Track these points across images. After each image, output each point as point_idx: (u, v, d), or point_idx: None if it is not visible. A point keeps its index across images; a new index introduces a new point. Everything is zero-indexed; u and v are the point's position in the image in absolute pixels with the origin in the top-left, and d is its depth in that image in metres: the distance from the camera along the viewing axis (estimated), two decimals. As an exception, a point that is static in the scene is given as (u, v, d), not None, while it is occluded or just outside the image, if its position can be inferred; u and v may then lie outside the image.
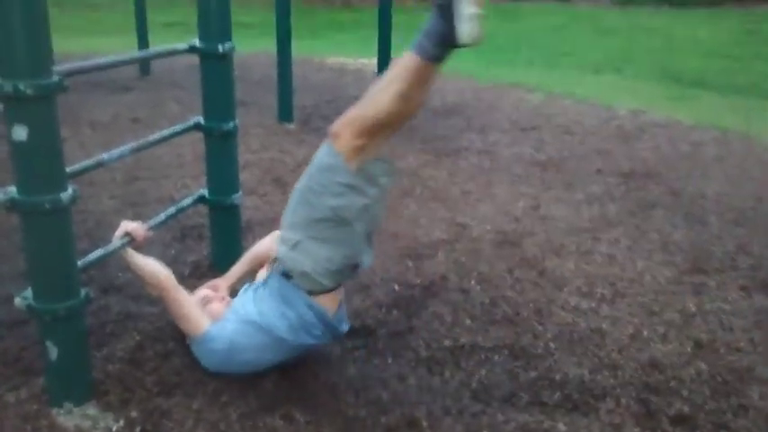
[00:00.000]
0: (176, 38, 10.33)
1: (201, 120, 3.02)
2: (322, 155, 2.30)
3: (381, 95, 2.18)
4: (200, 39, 2.88)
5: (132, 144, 2.67)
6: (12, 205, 2.01)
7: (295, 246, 2.34)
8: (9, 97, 1.90)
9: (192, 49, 2.89)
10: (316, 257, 2.32)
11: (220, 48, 2.86)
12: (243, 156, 4.22)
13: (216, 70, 2.94)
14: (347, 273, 2.43)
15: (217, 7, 2.85)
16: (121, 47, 8.83)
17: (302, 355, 2.59)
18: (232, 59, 2.96)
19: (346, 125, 2.22)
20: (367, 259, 2.48)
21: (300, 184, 2.36)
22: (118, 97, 6.99)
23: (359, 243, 2.37)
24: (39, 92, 1.91)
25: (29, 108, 1.93)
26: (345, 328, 2.60)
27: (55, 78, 1.95)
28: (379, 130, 2.21)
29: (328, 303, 2.46)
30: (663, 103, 7.84)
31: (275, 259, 2.48)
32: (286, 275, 2.40)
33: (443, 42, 2.09)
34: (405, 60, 2.16)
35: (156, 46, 8.44)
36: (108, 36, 9.24)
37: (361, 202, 2.27)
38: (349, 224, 2.29)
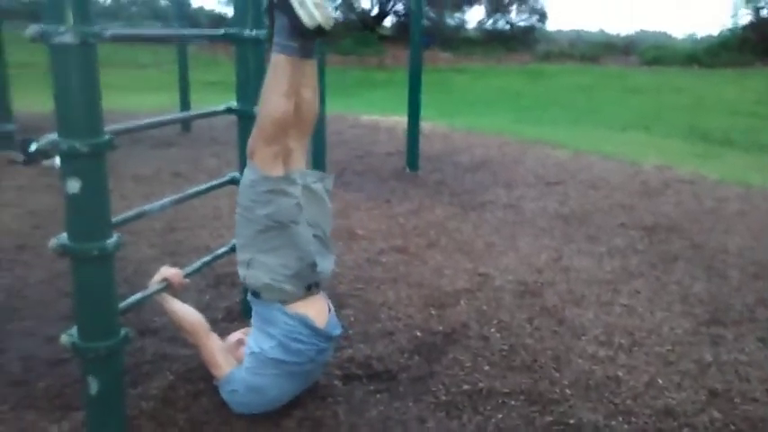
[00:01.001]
0: (217, 95, 10.77)
1: (237, 174, 3.21)
2: (245, 176, 2.52)
3: (269, 101, 2.39)
4: (238, 100, 3.09)
5: (172, 197, 2.86)
6: (63, 251, 2.19)
7: (249, 263, 2.52)
8: (66, 154, 2.10)
9: (229, 111, 3.10)
10: (271, 267, 2.48)
11: (255, 109, 3.06)
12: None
13: (250, 130, 3.13)
14: (307, 274, 2.54)
15: (253, 72, 3.07)
16: (165, 103, 9.22)
17: (323, 393, 2.71)
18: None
19: (255, 140, 2.44)
20: (326, 263, 2.63)
21: (237, 209, 2.55)
22: (160, 152, 7.29)
23: (306, 243, 2.51)
24: (92, 149, 2.10)
25: (82, 164, 2.12)
26: (337, 331, 2.72)
27: (106, 137, 2.15)
28: (281, 133, 2.42)
29: (311, 311, 2.57)
30: (688, 159, 7.95)
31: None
32: (255, 295, 2.57)
33: (295, 33, 2.30)
34: (274, 64, 2.37)
35: (197, 102, 8.84)
36: (153, 93, 9.65)
37: (289, 203, 2.45)
38: (288, 227, 2.46)
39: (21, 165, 6.61)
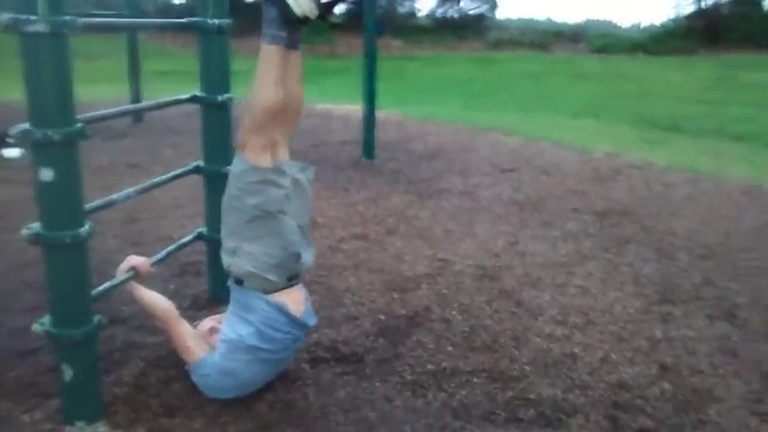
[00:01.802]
0: (170, 86, 10.67)
1: (201, 163, 3.25)
2: (234, 165, 2.57)
3: (260, 91, 2.46)
4: (202, 89, 3.13)
5: (139, 185, 2.90)
6: (36, 239, 2.23)
7: (234, 251, 2.58)
8: (39, 143, 2.13)
9: (193, 99, 3.14)
10: (255, 256, 2.54)
11: (219, 98, 3.12)
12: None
13: (215, 118, 3.18)
14: (290, 264, 2.62)
15: (217, 61, 3.11)
16: (119, 93, 9.11)
17: (293, 377, 2.79)
18: (230, 108, 3.20)
19: (245, 131, 2.51)
20: (307, 254, 2.71)
21: (225, 198, 2.61)
22: (114, 144, 7.24)
23: (291, 234, 2.59)
24: (65, 138, 2.14)
25: (55, 153, 2.16)
26: (312, 321, 2.79)
27: (78, 126, 2.18)
28: (271, 122, 2.49)
29: (289, 301, 2.64)
30: (637, 146, 8.18)
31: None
32: (238, 282, 2.63)
33: (284, 23, 2.40)
34: (264, 54, 2.45)
35: (149, 93, 8.77)
36: (106, 84, 9.52)
37: (279, 193, 2.52)
38: (275, 217, 2.53)
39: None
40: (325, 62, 17.68)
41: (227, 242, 2.61)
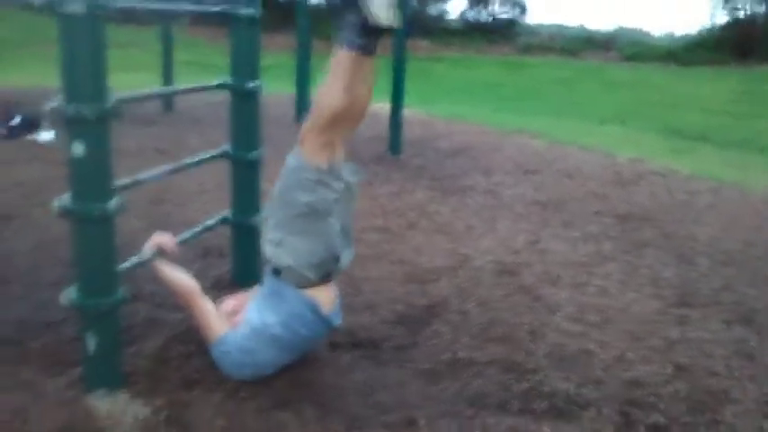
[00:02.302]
0: (194, 75, 10.77)
1: (229, 149, 3.31)
2: (291, 159, 2.61)
3: (329, 93, 2.47)
4: (232, 76, 3.19)
5: (168, 166, 2.96)
6: (66, 212, 2.29)
7: (279, 243, 2.62)
8: (72, 119, 2.19)
9: (223, 86, 3.20)
10: (298, 251, 2.59)
11: (248, 85, 3.17)
12: (263, 185, 4.52)
13: (243, 105, 3.24)
14: (329, 265, 2.66)
15: (247, 48, 3.17)
16: (147, 82, 9.23)
17: (311, 360, 2.83)
18: (258, 96, 3.26)
19: (307, 129, 2.54)
20: (346, 255, 2.74)
21: (276, 189, 2.65)
22: (142, 130, 7.34)
23: (335, 236, 2.63)
24: (97, 114, 2.21)
25: (88, 128, 2.22)
26: (338, 321, 2.83)
27: (111, 104, 2.25)
28: (335, 125, 2.50)
29: (322, 298, 2.69)
30: (662, 154, 8.15)
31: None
32: (275, 272, 2.67)
33: (364, 29, 2.37)
34: (339, 58, 2.45)
35: (178, 82, 8.87)
36: (134, 72, 9.64)
37: (331, 196, 2.56)
38: (324, 217, 2.57)
39: (2, 139, 6.60)
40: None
41: (273, 233, 2.65)
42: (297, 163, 2.57)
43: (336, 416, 2.54)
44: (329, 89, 2.47)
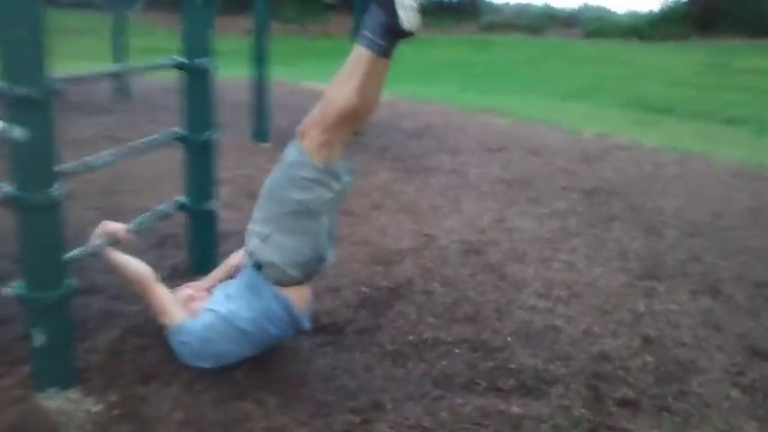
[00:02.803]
0: (151, 61, 10.49)
1: (180, 130, 3.19)
2: (290, 153, 2.49)
3: (340, 91, 2.37)
4: (184, 55, 3.06)
5: (118, 149, 2.84)
6: (7, 200, 2.17)
7: (266, 238, 2.51)
8: (12, 101, 2.07)
9: (176, 65, 3.07)
10: (285, 249, 2.49)
11: (203, 63, 3.06)
12: (218, 173, 4.41)
13: (197, 85, 3.12)
14: (314, 265, 2.58)
15: (199, 26, 3.05)
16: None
17: (271, 348, 2.75)
18: (211, 75, 3.14)
19: (311, 124, 2.43)
20: (330, 255, 2.65)
21: (269, 182, 2.54)
22: (96, 119, 7.16)
23: (323, 236, 2.55)
24: (38, 95, 2.09)
25: (28, 111, 2.10)
26: (307, 324, 2.74)
27: (53, 84, 2.13)
28: (341, 125, 2.41)
29: (296, 298, 2.61)
30: (628, 127, 8.16)
31: (248, 253, 2.65)
32: (257, 267, 2.57)
33: (387, 32, 2.29)
34: (357, 56, 2.35)
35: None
36: (89, 60, 9.39)
37: (327, 196, 2.46)
38: (315, 217, 2.48)
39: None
40: (318, 42, 17.59)
41: (260, 227, 2.55)
42: (296, 158, 2.45)
43: (300, 403, 2.47)
44: (342, 88, 2.36)
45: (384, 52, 2.33)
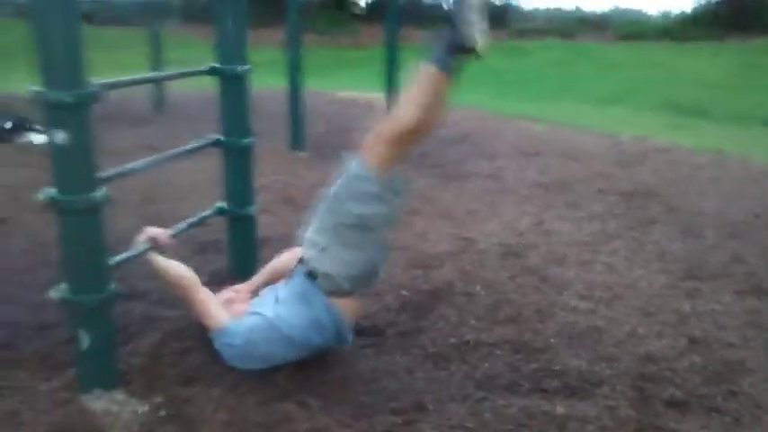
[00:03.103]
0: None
1: (221, 137, 3.21)
2: (352, 166, 2.47)
3: (410, 109, 2.37)
4: (219, 61, 3.09)
5: (158, 155, 2.87)
6: (51, 203, 2.21)
7: (323, 249, 2.51)
8: (51, 105, 2.11)
9: (211, 71, 3.10)
10: (341, 261, 2.50)
11: (238, 69, 3.08)
12: (256, 180, 4.44)
13: (233, 90, 3.14)
14: (367, 278, 2.61)
15: (234, 32, 3.07)
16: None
17: (314, 352, 2.75)
18: (248, 80, 3.16)
19: (376, 139, 2.42)
20: (382, 270, 2.67)
21: (330, 193, 2.53)
22: (135, 130, 7.26)
23: (378, 250, 2.58)
24: (77, 100, 2.12)
25: (68, 115, 2.14)
26: (350, 340, 2.74)
27: (91, 88, 2.16)
28: (405, 141, 2.42)
29: (347, 310, 2.63)
30: (664, 131, 8.06)
31: (300, 260, 2.66)
32: (310, 276, 2.57)
33: (456, 51, 2.30)
34: (427, 76, 2.36)
35: (171, 82, 8.80)
36: (124, 73, 9.54)
37: (384, 211, 2.48)
38: (372, 231, 2.50)
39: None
40: (349, 53, 17.68)
41: (317, 236, 2.55)
42: (358, 172, 2.45)
43: (342, 405, 2.46)
44: (411, 105, 2.37)
45: (450, 70, 2.34)
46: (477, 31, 2.25)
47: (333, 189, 2.53)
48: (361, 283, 2.61)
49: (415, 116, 2.36)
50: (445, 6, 2.29)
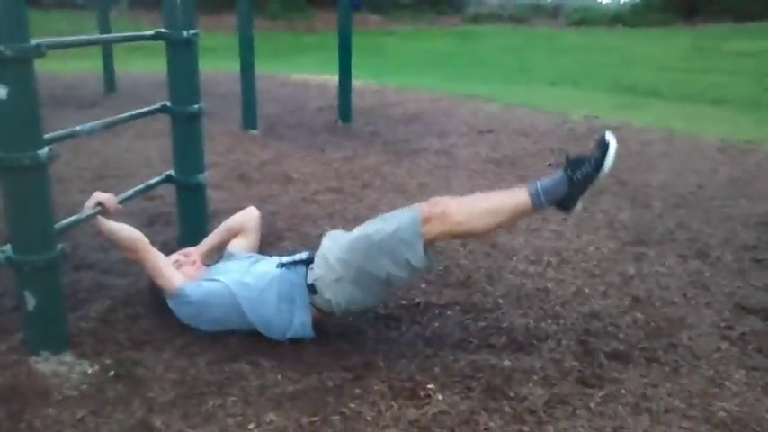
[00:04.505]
0: (139, 59, 10.49)
1: (168, 103, 3.19)
2: (406, 226, 2.43)
3: (486, 219, 2.45)
4: (167, 26, 3.07)
5: (105, 120, 2.84)
6: (-7, 163, 2.18)
7: (337, 280, 2.50)
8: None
9: (158, 36, 3.08)
10: (348, 296, 2.52)
11: (185, 33, 3.06)
12: (209, 157, 4.39)
13: (181, 55, 3.12)
14: (356, 313, 2.71)
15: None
16: (88, 68, 9.04)
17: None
18: (196, 45, 3.14)
19: (443, 220, 2.40)
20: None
21: (371, 234, 2.48)
22: (84, 112, 7.14)
23: (384, 299, 2.68)
24: (18, 55, 2.09)
25: (8, 70, 2.11)
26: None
27: (32, 44, 2.13)
28: (460, 237, 2.59)
29: (316, 318, 2.63)
30: (615, 110, 8.18)
31: (309, 260, 2.64)
32: (311, 289, 2.56)
33: (557, 204, 2.43)
34: (518, 201, 2.44)
35: (121, 67, 8.69)
36: (73, 59, 9.37)
37: (410, 281, 2.63)
38: (389, 286, 2.57)
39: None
40: (303, 38, 17.57)
41: (339, 265, 2.50)
42: (411, 239, 2.40)
43: (293, 364, 2.48)
44: (491, 219, 2.45)
45: (539, 210, 2.46)
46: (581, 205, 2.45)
47: (377, 234, 2.46)
48: (349, 314, 2.70)
49: (488, 230, 2.56)
50: (573, 177, 2.41)
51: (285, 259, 2.75)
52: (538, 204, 2.42)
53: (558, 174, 2.43)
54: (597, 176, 2.39)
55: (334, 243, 2.58)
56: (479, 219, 2.44)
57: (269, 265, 2.73)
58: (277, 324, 2.60)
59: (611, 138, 2.43)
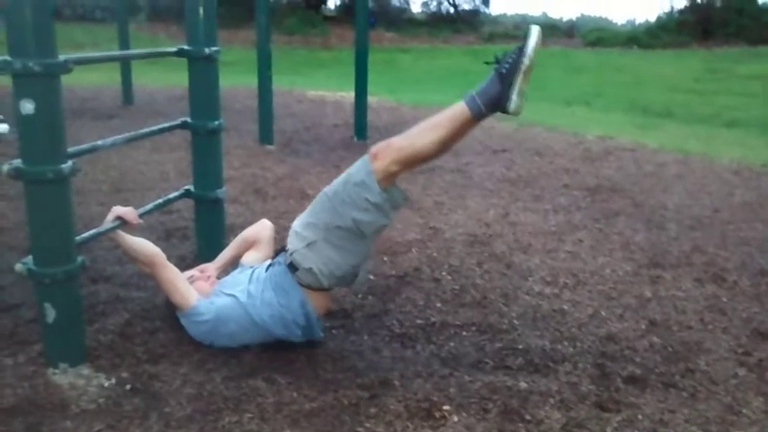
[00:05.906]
0: (159, 74, 10.57)
1: (189, 120, 3.22)
2: (357, 170, 2.47)
3: (427, 135, 2.43)
4: (188, 42, 3.10)
5: (126, 135, 2.87)
6: (17, 174, 2.20)
7: (310, 245, 2.52)
8: (19, 74, 2.10)
9: (180, 52, 3.11)
10: (326, 260, 2.51)
11: (207, 50, 3.09)
12: (226, 172, 4.42)
13: (202, 72, 3.15)
14: (347, 280, 2.63)
15: (203, 14, 3.08)
16: (105, 80, 9.11)
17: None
18: (217, 62, 3.17)
19: (387, 151, 2.43)
20: (363, 273, 2.69)
21: (328, 191, 2.53)
22: (102, 123, 7.20)
23: (365, 256, 2.61)
24: (45, 70, 2.12)
25: (36, 84, 2.13)
26: (321, 335, 2.76)
27: (61, 59, 2.16)
28: (413, 163, 2.48)
29: (319, 304, 2.65)
30: (629, 131, 8.18)
31: (282, 249, 2.67)
32: (291, 268, 2.58)
33: (493, 106, 2.38)
34: (455, 111, 2.42)
35: (139, 79, 8.76)
36: (91, 71, 9.45)
37: (381, 222, 2.50)
38: (364, 238, 2.52)
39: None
40: (319, 53, 17.67)
41: (307, 231, 2.54)
42: (363, 179, 2.44)
43: (310, 381, 2.48)
44: (428, 134, 2.43)
45: (480, 118, 2.41)
46: (519, 98, 2.35)
47: (332, 188, 2.52)
48: (340, 283, 2.64)
49: (433, 147, 2.43)
50: (501, 69, 2.36)
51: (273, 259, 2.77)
52: (474, 108, 2.38)
53: (490, 74, 2.41)
54: (522, 61, 2.35)
55: (298, 218, 2.62)
56: (419, 137, 2.43)
57: (263, 269, 2.75)
58: (289, 319, 2.60)
59: (533, 26, 2.43)
